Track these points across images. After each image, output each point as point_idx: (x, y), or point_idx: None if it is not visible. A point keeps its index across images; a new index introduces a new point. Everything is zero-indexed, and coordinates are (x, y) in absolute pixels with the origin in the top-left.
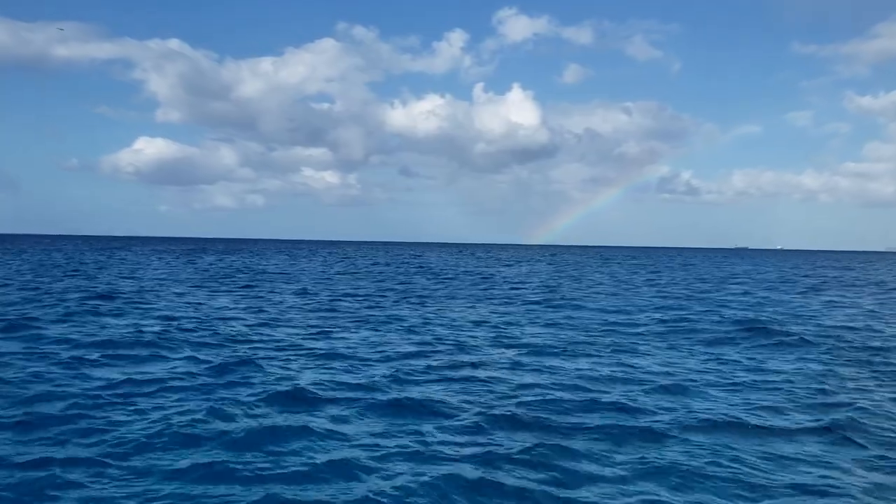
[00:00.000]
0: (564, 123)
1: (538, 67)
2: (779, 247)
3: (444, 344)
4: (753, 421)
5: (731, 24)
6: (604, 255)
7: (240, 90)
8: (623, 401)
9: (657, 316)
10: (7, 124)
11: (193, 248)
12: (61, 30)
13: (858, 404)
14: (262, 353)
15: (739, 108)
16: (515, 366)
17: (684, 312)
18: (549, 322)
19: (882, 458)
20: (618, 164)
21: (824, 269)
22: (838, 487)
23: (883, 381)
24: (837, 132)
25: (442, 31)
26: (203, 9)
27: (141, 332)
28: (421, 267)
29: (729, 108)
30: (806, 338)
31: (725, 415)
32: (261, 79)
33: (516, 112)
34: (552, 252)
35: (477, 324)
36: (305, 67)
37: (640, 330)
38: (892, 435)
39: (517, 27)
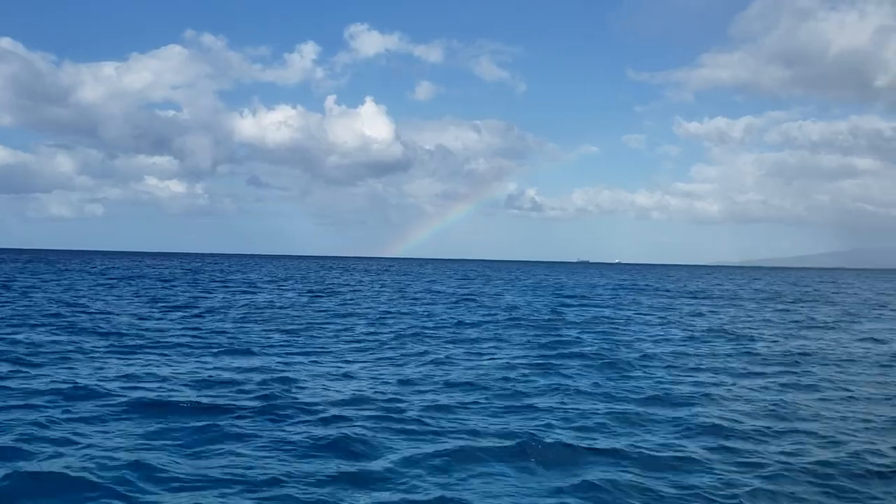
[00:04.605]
0: (417, 139)
1: (391, 83)
2: (617, 261)
3: None
4: None
5: (572, 48)
6: (438, 266)
7: (80, 95)
8: None
9: None
10: None
11: None
12: None
13: None
14: None
15: (579, 129)
16: None
17: None
18: None
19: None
20: (468, 180)
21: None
22: None
23: None
24: (668, 154)
25: (294, 43)
26: (41, 9)
27: None
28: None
29: (570, 129)
30: None
31: None
32: (103, 84)
33: (370, 126)
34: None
35: None
36: (151, 73)
37: None
38: None
39: (369, 42)
